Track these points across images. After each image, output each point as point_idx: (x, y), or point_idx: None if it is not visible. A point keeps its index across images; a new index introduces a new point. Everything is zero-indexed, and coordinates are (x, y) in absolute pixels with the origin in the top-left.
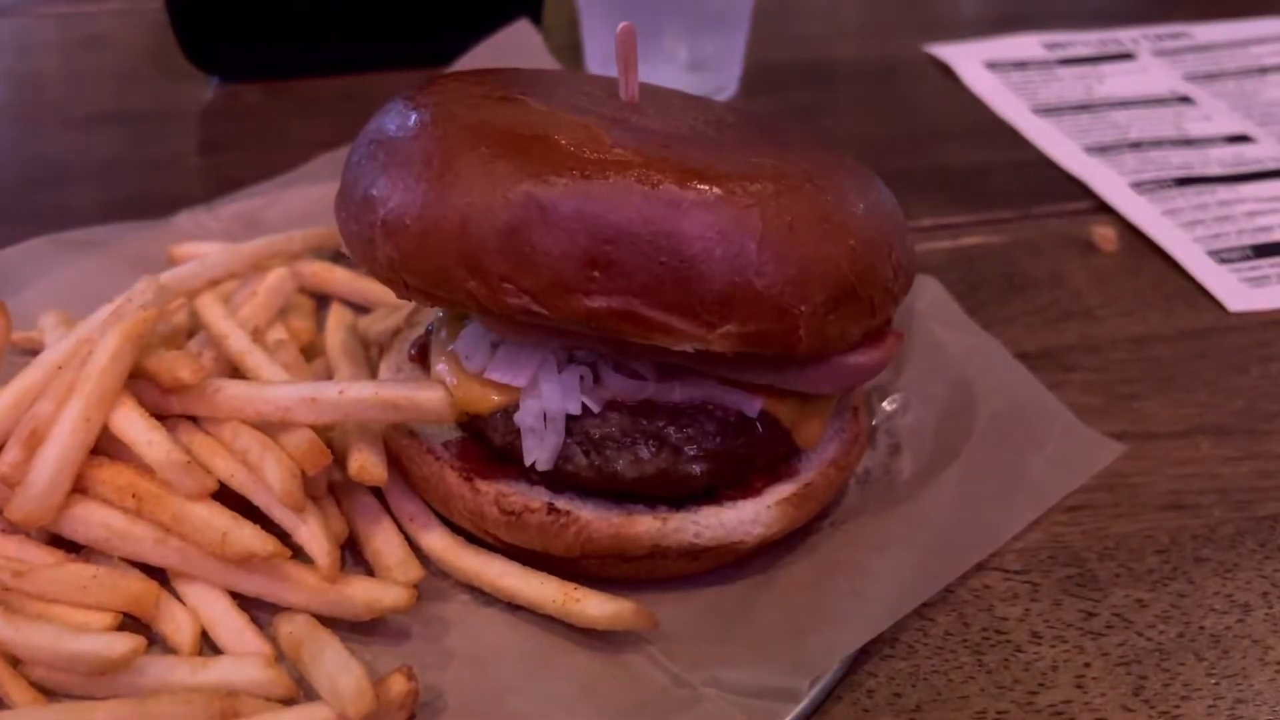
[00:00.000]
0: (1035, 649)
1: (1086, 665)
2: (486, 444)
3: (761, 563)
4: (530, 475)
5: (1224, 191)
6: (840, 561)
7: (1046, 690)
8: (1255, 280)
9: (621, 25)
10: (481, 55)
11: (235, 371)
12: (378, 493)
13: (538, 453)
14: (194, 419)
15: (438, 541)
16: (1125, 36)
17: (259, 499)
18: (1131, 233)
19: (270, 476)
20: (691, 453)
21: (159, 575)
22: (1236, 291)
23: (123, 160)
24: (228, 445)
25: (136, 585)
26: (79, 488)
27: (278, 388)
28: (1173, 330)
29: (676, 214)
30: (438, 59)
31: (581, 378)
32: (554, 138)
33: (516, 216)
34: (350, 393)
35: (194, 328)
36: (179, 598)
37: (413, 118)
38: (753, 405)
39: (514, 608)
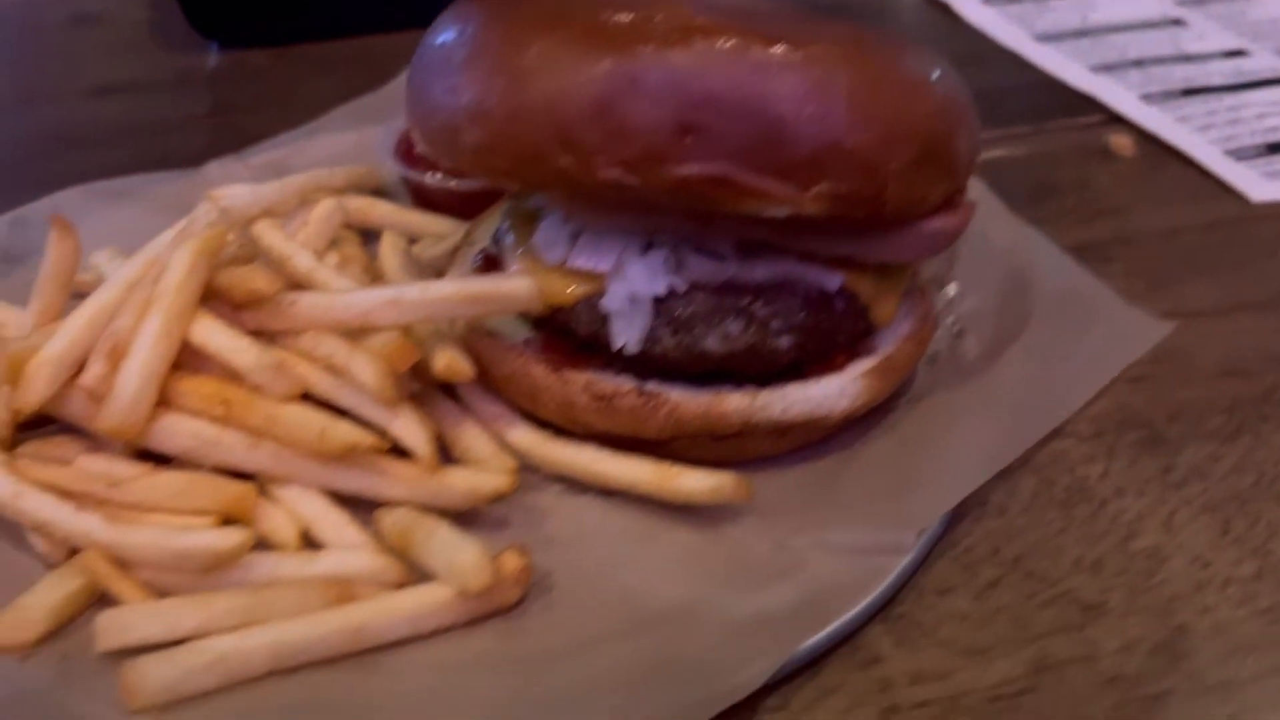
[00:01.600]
0: (1119, 502)
1: (1172, 513)
2: (570, 335)
3: (844, 439)
4: (616, 362)
5: (1230, 99)
6: (921, 435)
7: (1137, 537)
8: (1273, 174)
9: None
10: None
11: (301, 289)
12: (457, 398)
13: (626, 335)
14: (267, 336)
15: (525, 437)
16: None
17: (347, 401)
18: (1146, 140)
19: (362, 374)
20: (777, 328)
21: (251, 481)
22: (1257, 184)
23: (137, 126)
24: (308, 354)
25: (234, 487)
26: (163, 401)
27: (357, 293)
28: (1201, 221)
29: (765, 77)
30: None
31: (665, 259)
32: (636, 12)
33: (606, 89)
34: (434, 291)
35: (250, 257)
36: (275, 500)
37: (482, 15)
38: (833, 281)
39: (608, 494)
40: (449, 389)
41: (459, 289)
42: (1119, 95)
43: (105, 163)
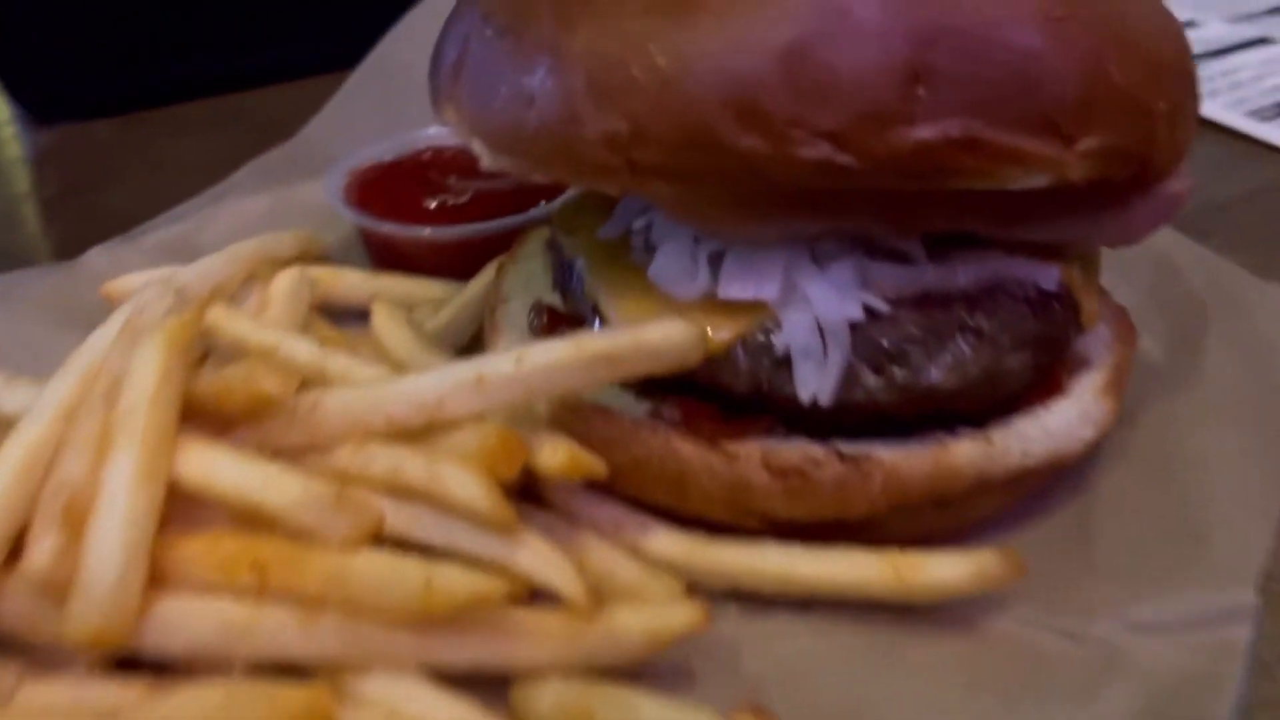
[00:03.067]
0: None
1: None
2: (720, 394)
3: (1067, 483)
4: (795, 422)
5: (1215, 64)
6: (1164, 456)
7: None
8: None
9: None
10: (422, 18)
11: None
12: (541, 504)
13: (815, 381)
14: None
15: (673, 544)
16: None
17: (433, 534)
18: None
19: (460, 493)
20: (1008, 344)
21: (312, 678)
22: None
23: None
24: (352, 475)
25: (297, 696)
26: (157, 578)
27: (415, 379)
28: (1267, 183)
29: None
30: (328, 65)
31: (854, 271)
32: None
33: (801, 30)
34: (537, 358)
35: (202, 357)
36: (359, 699)
37: None
38: (1050, 276)
39: (804, 605)
40: (530, 493)
41: (577, 350)
42: None
43: None
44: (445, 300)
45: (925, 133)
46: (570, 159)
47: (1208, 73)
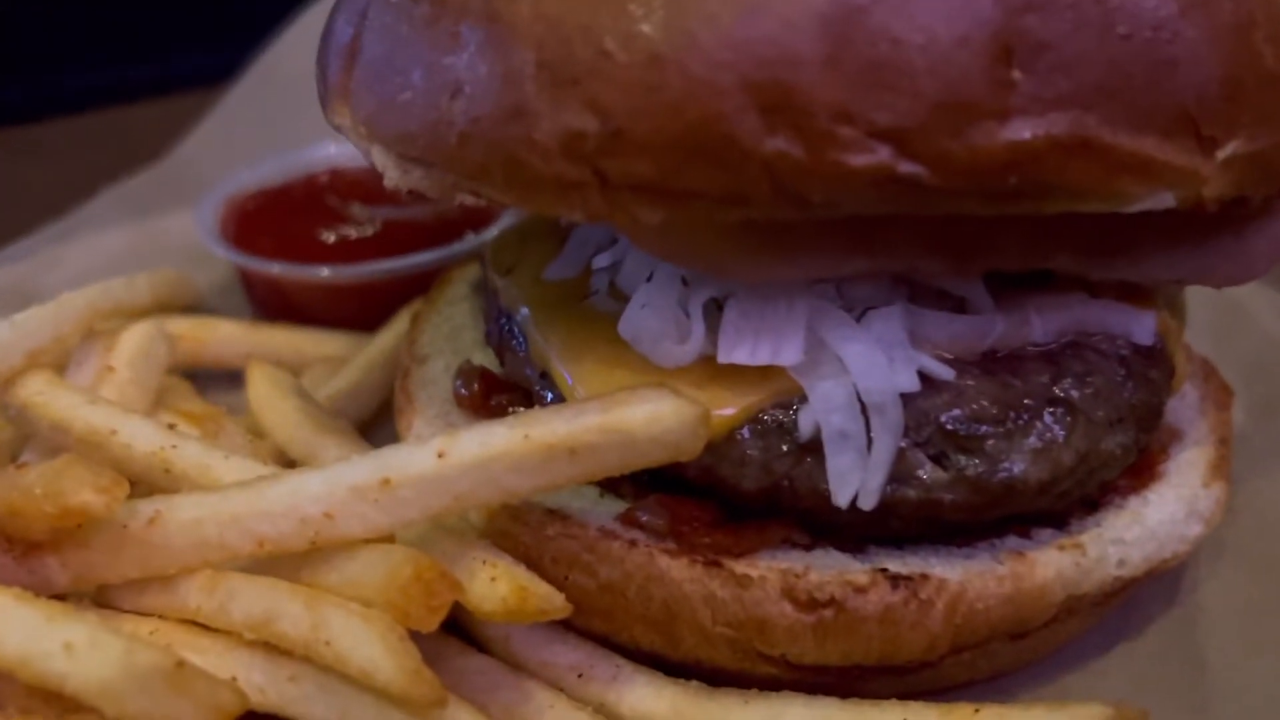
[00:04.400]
0: None
1: None
2: (716, 492)
3: (1159, 588)
4: (804, 534)
5: None
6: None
7: None
8: None
9: None
10: (309, 29)
11: (139, 491)
12: (485, 649)
13: (859, 475)
14: (98, 599)
15: (657, 699)
16: None
17: (319, 711)
18: None
19: (360, 655)
20: (1106, 417)
21: None
22: None
23: None
24: (204, 622)
25: None
26: None
27: (291, 481)
28: None
29: None
30: (184, 80)
31: (902, 323)
32: None
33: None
34: (463, 450)
35: (17, 441)
36: None
37: None
38: (1145, 325)
39: None
40: (458, 629)
41: (525, 439)
42: None
43: None
44: (344, 359)
45: (1022, 131)
46: (513, 172)
47: None
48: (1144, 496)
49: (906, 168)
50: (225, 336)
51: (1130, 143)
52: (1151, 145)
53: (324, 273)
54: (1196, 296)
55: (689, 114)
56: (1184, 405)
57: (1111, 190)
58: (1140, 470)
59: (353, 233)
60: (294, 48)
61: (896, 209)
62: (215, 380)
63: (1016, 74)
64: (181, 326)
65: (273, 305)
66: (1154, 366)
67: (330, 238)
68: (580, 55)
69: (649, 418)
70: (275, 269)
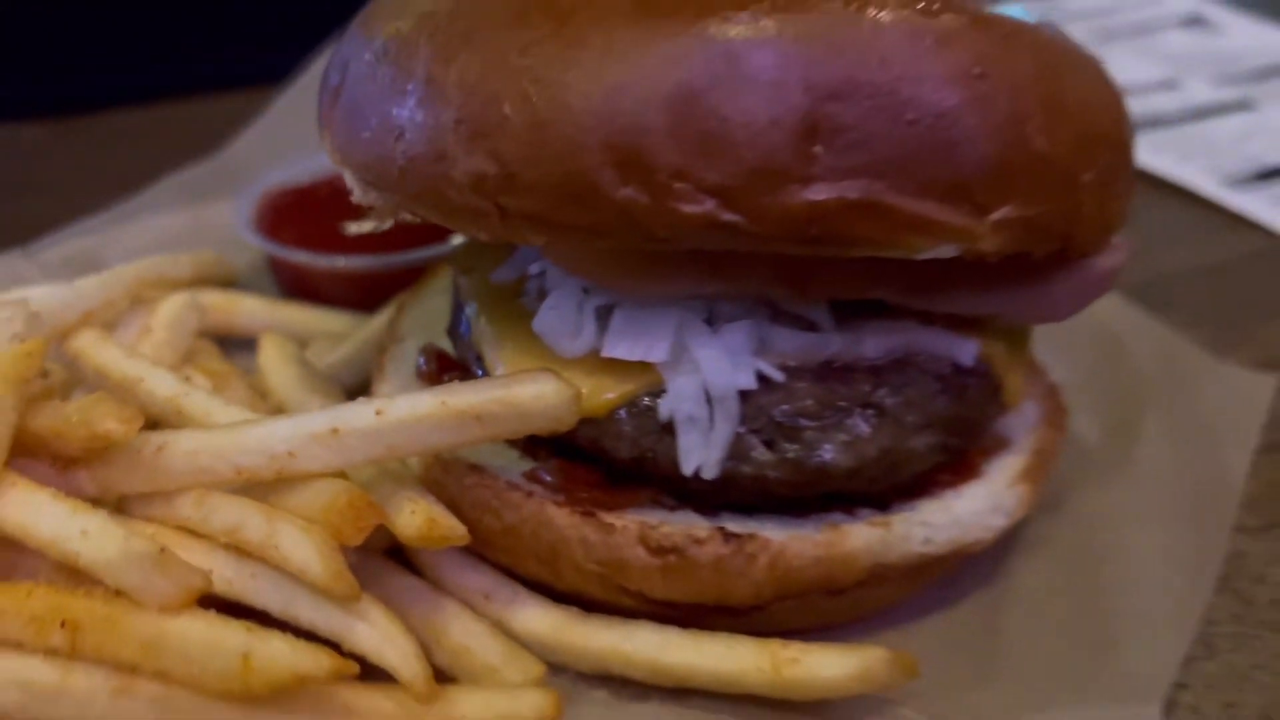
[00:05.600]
0: None
1: None
2: (604, 460)
3: (980, 571)
4: (668, 497)
5: (1193, 128)
6: (1085, 552)
7: None
8: None
9: None
10: None
11: (158, 428)
12: (418, 570)
13: (701, 453)
14: (117, 505)
15: (542, 620)
16: (1013, 11)
17: (270, 599)
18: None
19: (296, 556)
20: (914, 422)
21: None
22: (1274, 214)
23: None
24: (194, 528)
25: None
26: None
27: (266, 426)
28: (1237, 256)
29: (923, 51)
30: (256, 79)
31: (749, 336)
32: None
33: (691, 76)
34: (397, 411)
35: (66, 385)
36: None
37: None
38: (967, 350)
39: (680, 693)
40: (401, 557)
41: (442, 405)
42: None
43: None
44: (345, 335)
45: (820, 194)
46: (438, 200)
47: (1184, 136)
48: (959, 490)
49: (728, 217)
50: (249, 310)
51: (913, 206)
52: (932, 208)
53: (339, 262)
54: (1083, 332)
55: (563, 166)
56: (1020, 419)
57: (898, 242)
58: (961, 468)
59: (365, 229)
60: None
61: (726, 247)
62: (239, 346)
63: (818, 149)
64: (214, 299)
65: (294, 287)
66: (971, 384)
67: (346, 232)
68: (487, 116)
69: (535, 395)
70: (298, 257)
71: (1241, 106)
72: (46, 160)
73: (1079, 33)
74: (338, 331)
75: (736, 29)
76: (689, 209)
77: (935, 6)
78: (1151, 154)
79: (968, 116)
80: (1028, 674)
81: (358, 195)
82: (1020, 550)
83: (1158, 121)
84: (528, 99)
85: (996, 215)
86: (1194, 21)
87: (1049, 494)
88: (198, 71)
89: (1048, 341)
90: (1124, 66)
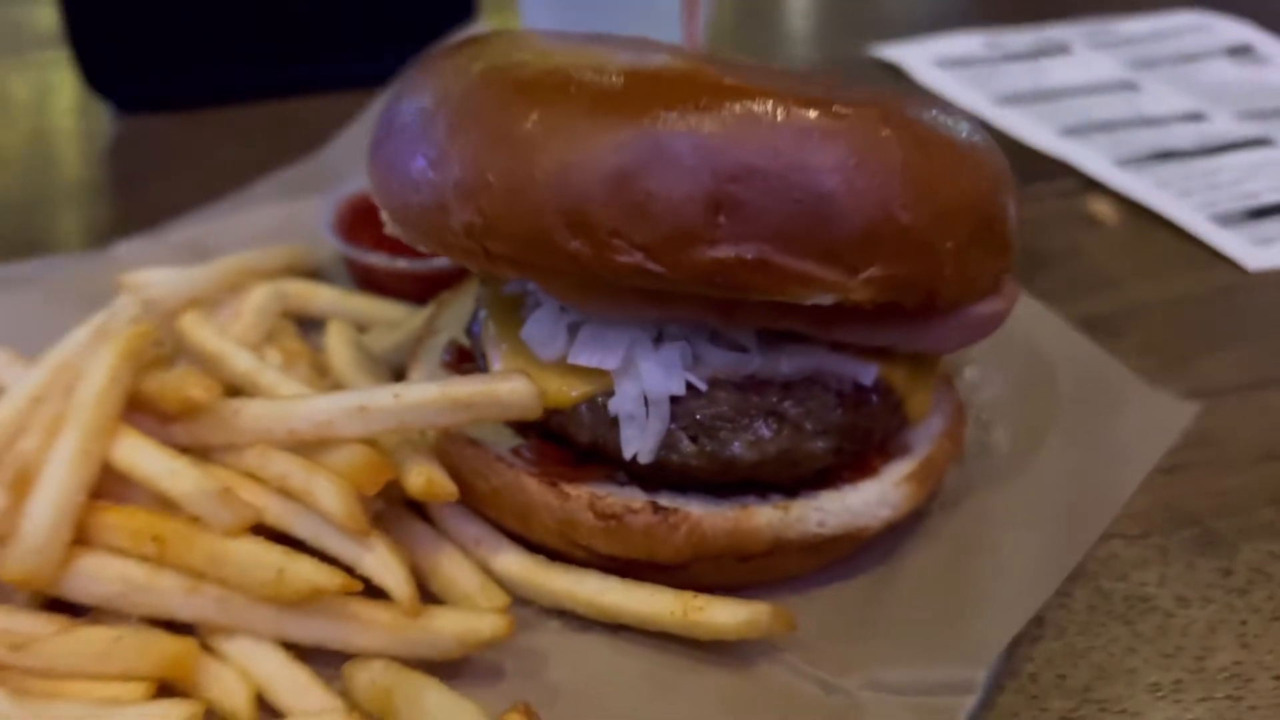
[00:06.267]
0: (1185, 613)
1: (1243, 623)
2: (569, 442)
3: (878, 552)
4: (621, 475)
5: (1203, 163)
6: (968, 543)
7: (1213, 654)
8: (1263, 241)
9: None
10: None
11: (238, 396)
12: (430, 518)
13: (639, 443)
14: (202, 452)
15: (516, 564)
16: (1057, 34)
17: (306, 531)
18: (1128, 206)
19: (324, 500)
20: (811, 429)
21: (190, 634)
22: (1250, 252)
23: (36, 198)
24: (255, 474)
25: (171, 645)
26: (81, 539)
27: (314, 400)
28: (1201, 291)
29: (809, 145)
30: (368, 81)
31: (681, 353)
32: (655, 73)
33: (626, 159)
34: (410, 396)
35: (173, 355)
36: (220, 656)
37: (470, 71)
38: (868, 373)
39: (616, 628)
40: (418, 507)
41: (441, 393)
42: (1092, 160)
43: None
44: (398, 323)
45: (722, 253)
46: (441, 240)
47: (1192, 171)
48: (855, 485)
49: (652, 266)
50: (323, 298)
51: (796, 265)
52: (811, 267)
53: (400, 263)
54: (1019, 355)
55: (530, 222)
56: (925, 431)
57: (785, 292)
58: (861, 468)
59: None
60: None
61: (655, 288)
62: (314, 326)
63: (722, 219)
64: (296, 287)
65: (363, 281)
66: (869, 401)
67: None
68: (477, 181)
69: (510, 390)
70: (367, 257)
71: (1259, 142)
72: (172, 151)
73: (1122, 58)
74: (393, 320)
75: (664, 123)
76: (623, 259)
77: (835, 106)
78: (1153, 188)
79: (842, 197)
80: (894, 637)
81: (387, 227)
82: (913, 538)
83: (1170, 154)
84: (507, 171)
85: (865, 274)
86: (1241, 51)
87: (949, 493)
88: (319, 73)
89: (988, 361)
90: (1157, 96)
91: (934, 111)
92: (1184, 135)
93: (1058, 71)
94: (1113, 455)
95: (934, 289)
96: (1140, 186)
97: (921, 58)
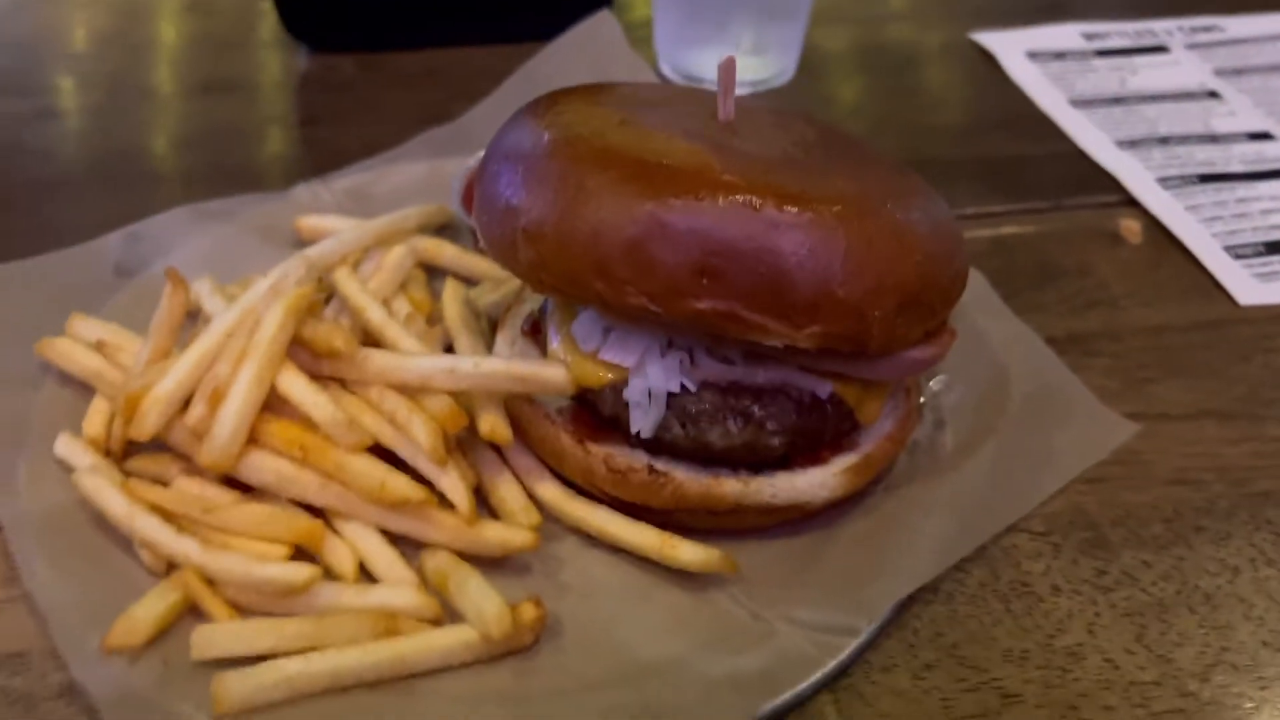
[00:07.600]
0: (1055, 600)
1: (1097, 615)
2: (595, 412)
3: (826, 519)
4: (632, 440)
5: (1243, 189)
6: (893, 521)
7: (1062, 634)
8: (1265, 275)
9: (724, 58)
10: (566, 45)
11: (373, 340)
12: (498, 450)
13: (642, 423)
14: (342, 382)
15: (551, 492)
16: (1160, 28)
17: (405, 452)
18: (1155, 226)
19: (418, 435)
20: (772, 427)
21: (319, 515)
22: (1247, 286)
23: (233, 129)
24: (375, 406)
25: (306, 522)
26: (252, 439)
27: (419, 359)
28: (1187, 321)
29: (775, 232)
30: (520, 36)
31: (681, 361)
32: (672, 164)
33: (640, 231)
34: (484, 366)
35: (329, 296)
36: (338, 534)
37: (545, 138)
38: (824, 388)
39: (616, 550)
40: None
41: (505, 368)
42: (1139, 176)
43: (202, 168)
44: (502, 282)
45: (704, 305)
46: (511, 264)
47: (1229, 195)
48: (805, 471)
49: (654, 308)
50: (448, 254)
51: (757, 318)
52: (769, 321)
53: None
54: (984, 366)
55: (569, 266)
56: (877, 430)
57: (749, 335)
58: (813, 458)
59: None
60: (551, 60)
61: (659, 322)
62: (439, 276)
63: (705, 281)
64: (427, 243)
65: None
66: (822, 409)
67: None
68: (538, 231)
69: (551, 374)
70: None
71: None
72: (352, 93)
73: (1213, 62)
74: (500, 278)
75: (669, 208)
76: (633, 300)
77: (800, 203)
78: (1183, 211)
79: (795, 273)
80: (815, 586)
81: (482, 244)
82: (853, 512)
83: (1215, 177)
84: (557, 225)
85: (808, 330)
86: None
87: (895, 478)
88: (485, 29)
89: (956, 371)
90: (1232, 109)
91: (898, 199)
92: (1240, 156)
93: (1145, 74)
94: (1041, 462)
95: (863, 343)
96: (1172, 208)
97: (1015, 47)
